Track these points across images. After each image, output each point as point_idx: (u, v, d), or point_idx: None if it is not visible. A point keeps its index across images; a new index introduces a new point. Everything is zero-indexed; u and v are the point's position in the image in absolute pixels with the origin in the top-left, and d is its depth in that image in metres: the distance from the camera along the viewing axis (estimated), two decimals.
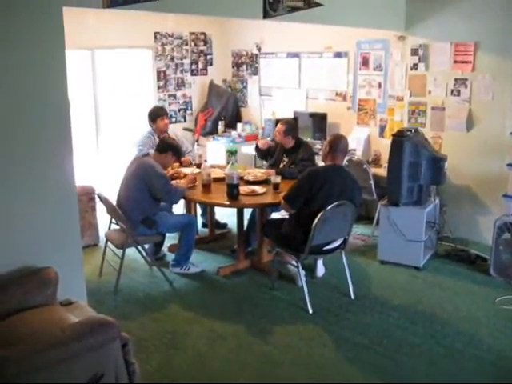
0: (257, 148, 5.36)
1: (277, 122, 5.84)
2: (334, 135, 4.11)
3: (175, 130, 5.83)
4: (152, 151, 4.80)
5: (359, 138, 6.04)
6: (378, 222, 4.96)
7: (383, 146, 5.77)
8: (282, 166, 5.07)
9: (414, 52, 5.55)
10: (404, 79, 5.68)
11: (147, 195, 4.29)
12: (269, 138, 6.09)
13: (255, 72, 7.29)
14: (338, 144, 3.92)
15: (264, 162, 5.57)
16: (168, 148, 4.45)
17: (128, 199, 4.31)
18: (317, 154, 5.53)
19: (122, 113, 6.87)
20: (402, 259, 4.70)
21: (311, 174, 3.91)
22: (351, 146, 5.86)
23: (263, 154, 5.31)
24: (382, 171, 5.40)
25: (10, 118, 2.68)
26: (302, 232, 3.81)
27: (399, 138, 4.53)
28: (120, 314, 3.82)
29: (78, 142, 6.15)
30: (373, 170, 5.46)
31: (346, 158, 5.43)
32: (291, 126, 5.08)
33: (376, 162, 5.88)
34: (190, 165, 5.28)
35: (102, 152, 6.75)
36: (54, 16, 2.74)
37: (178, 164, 5.10)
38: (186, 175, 4.84)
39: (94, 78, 6.54)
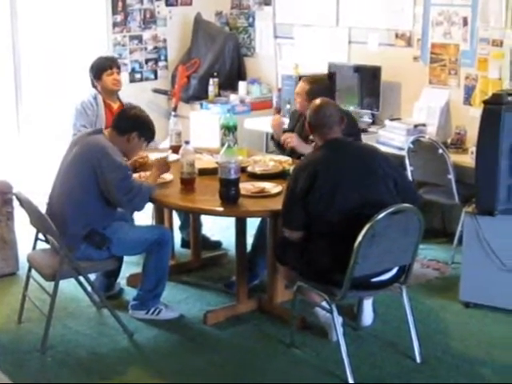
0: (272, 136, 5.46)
1: (300, 79, 5.86)
2: (312, 105, 4.25)
3: (129, 95, 5.80)
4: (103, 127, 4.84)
5: (432, 107, 6.03)
6: (460, 240, 4.97)
7: (470, 120, 5.76)
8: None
9: None
10: (504, 13, 5.67)
11: (95, 195, 4.32)
12: (288, 106, 6.12)
13: (268, 0, 7.33)
14: (317, 115, 4.13)
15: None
16: (133, 126, 4.43)
17: (65, 202, 4.35)
18: (364, 130, 5.56)
19: (56, 70, 6.92)
20: (499, 300, 4.70)
21: (299, 169, 4.09)
22: (420, 118, 5.89)
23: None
24: (469, 159, 5.40)
25: None
26: (337, 255, 3.84)
27: (495, 107, 4.53)
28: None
29: None
30: (453, 158, 5.46)
31: (412, 139, 5.45)
32: (320, 85, 5.14)
33: (459, 144, 5.87)
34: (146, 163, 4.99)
35: (25, 132, 6.82)
36: None
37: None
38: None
39: (12, 17, 6.57)
